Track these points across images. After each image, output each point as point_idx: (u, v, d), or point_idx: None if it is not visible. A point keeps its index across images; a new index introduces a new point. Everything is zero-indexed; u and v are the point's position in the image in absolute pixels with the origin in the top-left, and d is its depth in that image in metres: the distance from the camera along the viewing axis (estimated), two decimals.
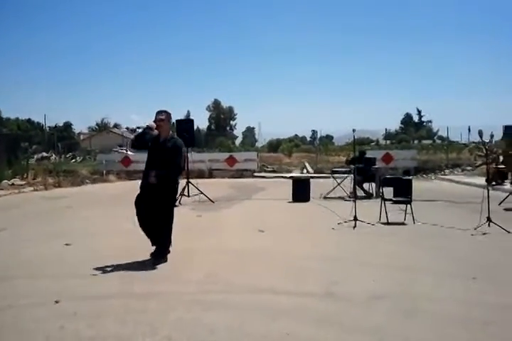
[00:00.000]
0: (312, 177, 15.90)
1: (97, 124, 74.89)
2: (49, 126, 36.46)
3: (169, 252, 5.82)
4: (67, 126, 64.55)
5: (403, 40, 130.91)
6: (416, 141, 57.96)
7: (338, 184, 13.05)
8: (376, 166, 13.96)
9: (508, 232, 7.31)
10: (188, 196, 11.75)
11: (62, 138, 43.22)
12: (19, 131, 50.46)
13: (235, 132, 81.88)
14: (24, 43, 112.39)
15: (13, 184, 17.34)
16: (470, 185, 16.10)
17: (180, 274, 5.26)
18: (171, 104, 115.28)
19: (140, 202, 5.86)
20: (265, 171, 24.01)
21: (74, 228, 8.34)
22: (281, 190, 13.63)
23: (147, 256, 5.83)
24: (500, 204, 10.04)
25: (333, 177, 13.63)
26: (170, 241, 5.87)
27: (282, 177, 20.73)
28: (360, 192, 12.32)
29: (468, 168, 22.33)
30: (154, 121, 5.75)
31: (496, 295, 4.43)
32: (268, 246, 6.63)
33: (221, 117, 77.89)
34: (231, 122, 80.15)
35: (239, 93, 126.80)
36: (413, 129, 74.38)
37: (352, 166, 12.04)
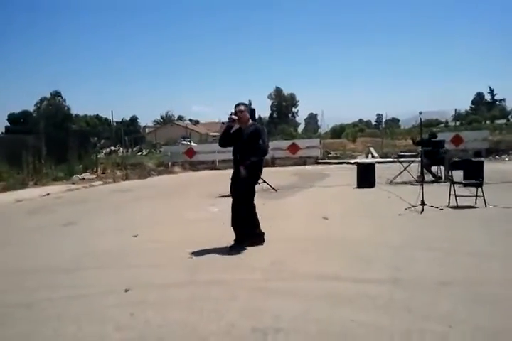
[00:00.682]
0: (378, 162, 15.58)
1: (162, 117, 77.04)
2: (116, 121, 37.84)
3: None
4: (133, 120, 66.74)
5: (472, 19, 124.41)
6: (488, 122, 55.20)
7: (405, 168, 12.71)
8: (445, 148, 13.47)
9: None
10: None
11: (129, 132, 44.68)
12: (88, 126, 52.67)
13: (298, 119, 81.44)
14: (85, 40, 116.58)
15: (83, 178, 18.20)
16: None
17: (245, 262, 5.32)
18: (233, 94, 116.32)
19: (231, 190, 6.01)
20: (328, 158, 23.77)
21: (140, 220, 8.64)
22: (346, 177, 13.47)
23: (212, 245, 5.96)
24: None
25: (400, 161, 13.29)
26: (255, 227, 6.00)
27: (347, 163, 20.45)
28: (428, 176, 11.96)
29: None
30: (234, 114, 5.88)
31: None
32: (332, 234, 6.58)
33: (283, 105, 77.49)
34: (293, 109, 79.64)
35: (300, 80, 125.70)
36: (485, 109, 70.90)
37: (419, 148, 11.67)
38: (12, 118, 59.78)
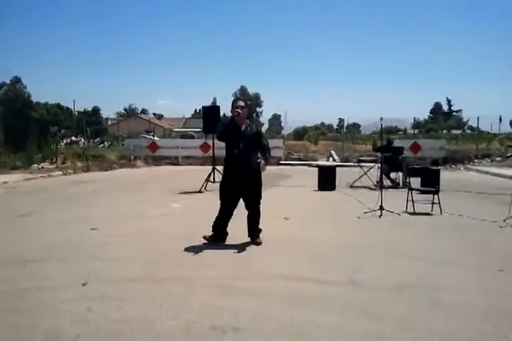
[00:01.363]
0: (338, 165, 15.81)
1: (125, 110, 75.72)
2: (78, 111, 37.03)
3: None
4: (96, 110, 65.20)
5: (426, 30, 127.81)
6: (445, 131, 56.89)
7: (365, 173, 12.96)
8: (403, 155, 13.80)
9: None
10: (214, 182, 11.83)
11: (91, 122, 43.72)
12: (48, 115, 51.20)
13: (261, 119, 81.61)
14: (49, 27, 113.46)
15: (42, 168, 17.73)
16: (500, 177, 15.81)
17: (205, 259, 5.31)
18: (198, 91, 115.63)
19: (229, 190, 5.97)
20: (291, 159, 23.95)
21: (100, 212, 8.48)
22: (307, 178, 13.60)
23: (172, 240, 5.93)
24: None
25: (360, 166, 13.54)
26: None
27: (308, 165, 20.66)
28: (386, 182, 12.23)
29: (498, 158, 21.91)
30: (235, 109, 5.88)
31: None
32: (293, 234, 6.65)
33: (247, 104, 77.40)
34: (257, 109, 79.86)
35: (265, 80, 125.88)
36: (442, 119, 73.03)
37: (379, 154, 11.93)
38: None
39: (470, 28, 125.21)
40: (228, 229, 6.05)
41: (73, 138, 31.08)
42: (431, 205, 8.46)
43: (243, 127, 5.93)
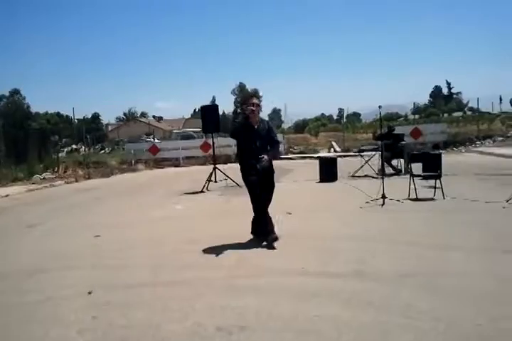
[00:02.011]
0: (340, 156, 15.78)
1: (125, 114, 75.73)
2: (77, 119, 37.05)
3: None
4: (95, 117, 65.26)
5: (430, 16, 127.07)
6: (446, 114, 56.69)
7: (366, 162, 12.93)
8: (404, 142, 13.75)
9: None
10: (215, 181, 11.84)
11: (91, 129, 43.78)
12: (49, 124, 51.32)
13: (261, 115, 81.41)
14: (43, 37, 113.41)
15: (44, 178, 17.77)
16: (501, 156, 15.74)
17: (210, 260, 5.30)
18: (196, 90, 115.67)
19: (256, 187, 5.89)
20: (292, 152, 23.91)
21: (102, 219, 8.51)
22: (309, 171, 13.58)
23: (175, 243, 5.93)
24: None
25: (361, 155, 13.50)
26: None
27: (310, 157, 20.62)
28: (388, 169, 12.19)
29: (500, 138, 21.81)
30: (248, 106, 5.85)
31: None
32: (296, 228, 6.64)
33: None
34: None
35: (264, 75, 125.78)
36: (443, 102, 72.70)
37: (379, 143, 11.88)
38: None
39: (465, 13, 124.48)
40: (229, 228, 6.03)
41: (74, 146, 31.17)
42: (433, 190, 8.43)
43: (257, 124, 5.88)
